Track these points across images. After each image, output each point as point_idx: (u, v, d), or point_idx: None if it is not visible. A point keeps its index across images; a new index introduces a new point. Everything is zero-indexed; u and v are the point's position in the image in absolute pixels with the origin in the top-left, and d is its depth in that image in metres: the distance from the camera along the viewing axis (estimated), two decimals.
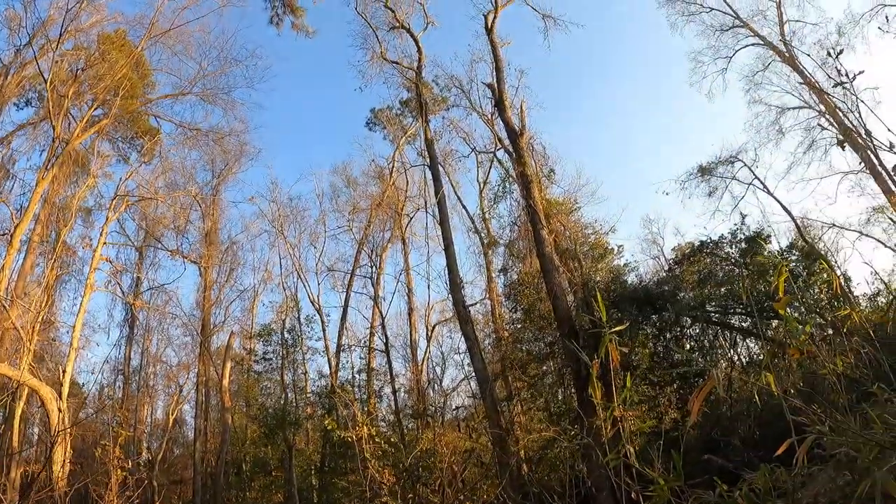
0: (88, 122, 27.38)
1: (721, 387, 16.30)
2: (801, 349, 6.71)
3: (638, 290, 21.47)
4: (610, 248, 29.25)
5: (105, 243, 27.80)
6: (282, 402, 32.74)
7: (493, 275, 32.68)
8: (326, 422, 19.88)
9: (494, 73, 25.65)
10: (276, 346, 34.26)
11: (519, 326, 26.58)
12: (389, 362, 32.77)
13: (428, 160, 28.32)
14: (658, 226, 55.74)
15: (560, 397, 23.71)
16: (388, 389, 32.23)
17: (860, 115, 27.02)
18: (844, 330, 8.60)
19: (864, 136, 25.33)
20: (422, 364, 33.52)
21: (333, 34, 52.83)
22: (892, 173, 24.13)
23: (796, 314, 15.58)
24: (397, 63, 29.79)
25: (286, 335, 34.46)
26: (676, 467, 5.75)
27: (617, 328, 6.13)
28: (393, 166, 37.78)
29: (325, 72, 75.19)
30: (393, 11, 29.07)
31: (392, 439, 18.84)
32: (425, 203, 36.54)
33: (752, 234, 21.42)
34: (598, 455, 11.49)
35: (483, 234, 33.92)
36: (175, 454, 39.37)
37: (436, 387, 34.10)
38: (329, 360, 33.42)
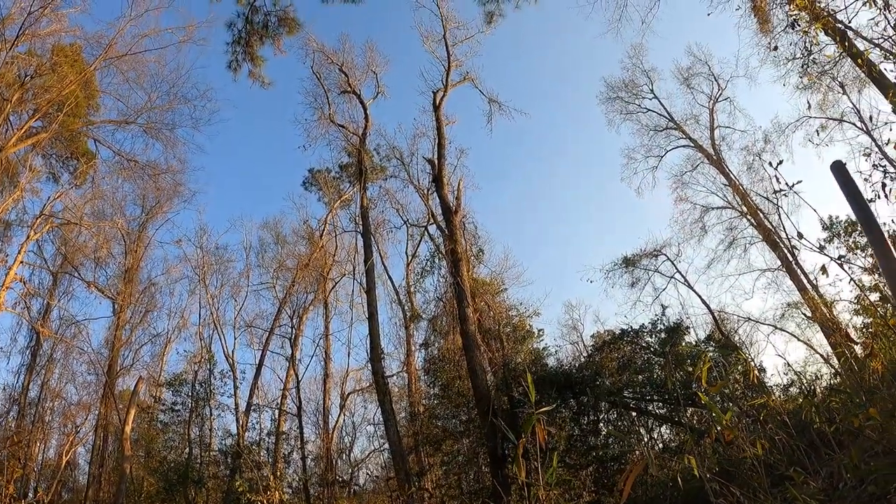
0: (26, 132, 26.28)
1: (653, 466, 16.51)
2: (728, 433, 6.94)
3: (559, 374, 21.72)
4: (532, 330, 29.60)
5: (21, 262, 26.60)
6: (185, 457, 31.08)
7: (413, 348, 32.54)
8: (237, 483, 19.06)
9: (436, 150, 26.16)
10: (186, 397, 32.61)
11: (436, 402, 26.45)
12: (301, 427, 31.91)
13: (361, 227, 28.35)
14: (579, 312, 56.63)
15: (473, 476, 23.53)
16: (297, 455, 31.29)
17: (780, 217, 29.18)
18: (760, 418, 8.87)
19: (787, 237, 26.76)
20: (333, 432, 32.87)
21: (285, 89, 52.90)
22: (815, 273, 25.42)
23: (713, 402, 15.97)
24: (343, 127, 30.02)
25: (197, 387, 33.00)
26: None
27: (544, 409, 6.25)
28: (324, 229, 37.58)
29: (270, 124, 74.90)
30: (347, 76, 29.45)
31: None
32: (353, 269, 36.25)
33: (672, 325, 22.05)
34: None
35: (407, 307, 33.85)
36: (64, 499, 36.83)
37: (345, 456, 33.43)
38: (238, 418, 32.21)
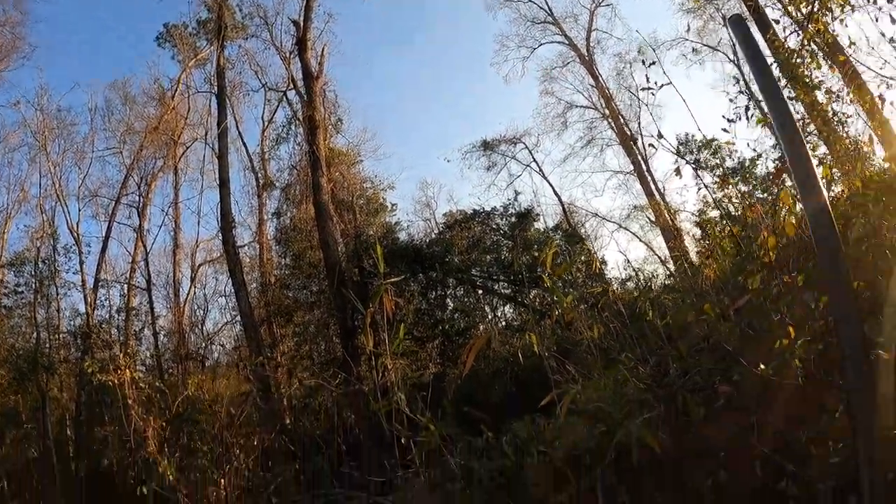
0: None
1: (496, 341, 17.32)
2: (568, 314, 7.43)
3: (409, 248, 22.10)
4: (385, 204, 29.81)
5: None
6: (33, 342, 28.75)
7: (266, 218, 32.04)
8: (86, 364, 18.34)
9: (303, 11, 25.22)
10: (29, 277, 30.14)
11: (287, 273, 26.44)
12: (151, 301, 30.90)
13: (216, 88, 27.17)
14: (434, 190, 57.04)
15: (324, 346, 23.92)
16: (148, 331, 30.32)
17: (640, 125, 31.23)
18: (598, 305, 9.46)
19: (643, 140, 27.99)
20: (184, 305, 32.22)
21: None
22: (664, 180, 26.90)
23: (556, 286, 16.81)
24: None
25: (41, 265, 30.50)
26: (446, 415, 6.16)
27: (393, 279, 6.44)
28: (176, 89, 35.27)
29: None
30: None
31: (157, 384, 17.85)
32: (206, 134, 34.58)
33: (524, 210, 22.76)
34: (366, 403, 11.76)
35: (260, 175, 33.06)
36: None
37: (198, 330, 32.91)
38: (86, 295, 30.31)
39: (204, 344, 30.70)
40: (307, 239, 25.29)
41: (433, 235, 25.79)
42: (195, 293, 33.74)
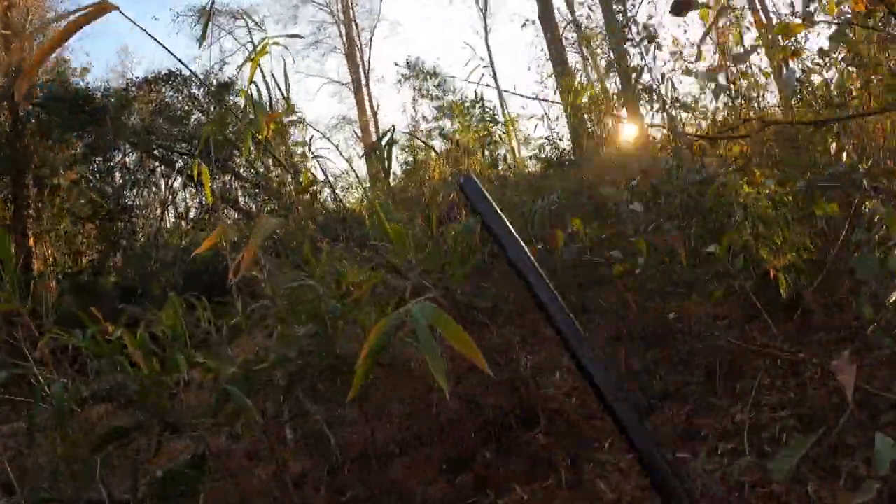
0: None
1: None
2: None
3: (79, 93, 18.00)
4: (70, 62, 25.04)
5: None
6: None
7: None
8: None
9: None
10: None
11: None
12: None
13: None
14: (134, 60, 51.58)
15: None
16: None
17: (371, 39, 32.33)
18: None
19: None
20: None
21: None
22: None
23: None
24: None
25: None
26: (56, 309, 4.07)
27: None
28: None
29: None
30: None
31: None
32: None
33: (226, 80, 20.16)
34: None
35: None
36: None
37: None
38: None
39: None
40: None
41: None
42: None
